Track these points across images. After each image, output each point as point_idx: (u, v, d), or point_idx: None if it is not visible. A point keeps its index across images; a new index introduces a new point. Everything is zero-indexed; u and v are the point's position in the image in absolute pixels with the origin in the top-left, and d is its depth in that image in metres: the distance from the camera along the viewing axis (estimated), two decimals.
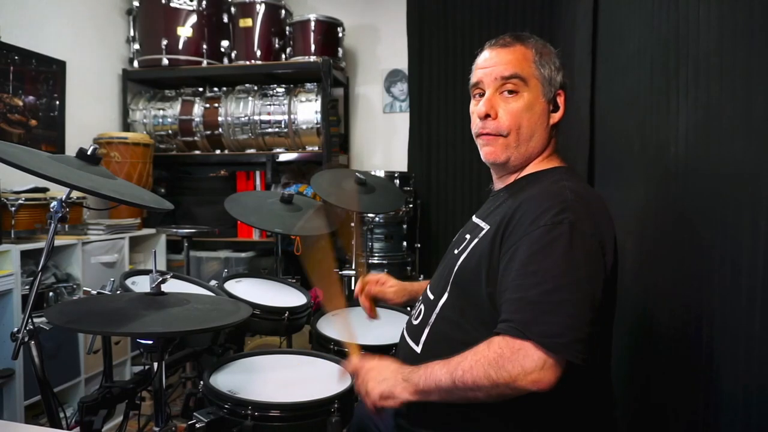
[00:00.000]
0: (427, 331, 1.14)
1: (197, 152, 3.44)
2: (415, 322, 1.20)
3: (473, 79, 1.17)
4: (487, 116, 1.11)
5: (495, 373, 0.91)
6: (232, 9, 3.34)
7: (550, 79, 1.12)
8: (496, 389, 0.92)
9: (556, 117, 1.14)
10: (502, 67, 1.11)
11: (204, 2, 3.25)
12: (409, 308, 1.66)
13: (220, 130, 3.30)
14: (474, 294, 1.06)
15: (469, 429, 1.05)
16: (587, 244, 0.96)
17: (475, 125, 1.15)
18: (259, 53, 3.26)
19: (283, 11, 3.34)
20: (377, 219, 2.98)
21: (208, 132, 3.33)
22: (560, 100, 1.14)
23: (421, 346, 1.14)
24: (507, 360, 0.90)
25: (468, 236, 1.16)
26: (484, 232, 1.10)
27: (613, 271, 1.02)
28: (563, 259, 0.94)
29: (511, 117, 1.10)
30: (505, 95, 1.11)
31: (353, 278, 2.59)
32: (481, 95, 1.14)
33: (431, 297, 1.18)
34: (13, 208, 2.19)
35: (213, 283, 1.83)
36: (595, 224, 0.99)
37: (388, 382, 1.04)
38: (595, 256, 0.97)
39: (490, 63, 1.13)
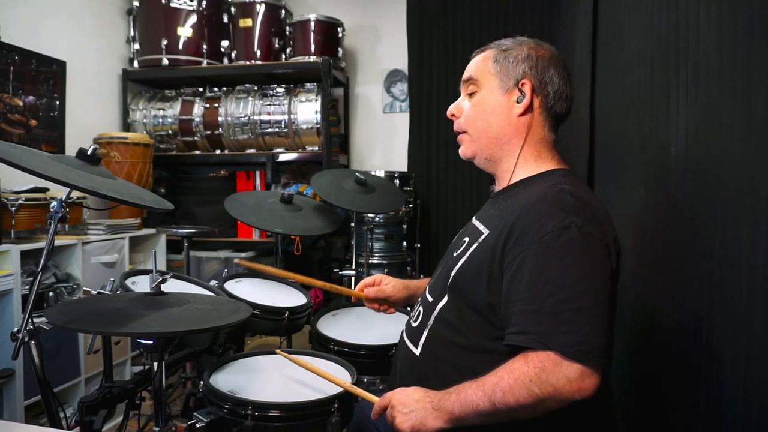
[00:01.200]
0: (425, 333, 1.13)
1: (197, 152, 3.44)
2: (414, 324, 1.19)
3: None
4: (453, 116, 1.22)
5: (539, 389, 0.90)
6: (232, 9, 3.34)
7: (508, 71, 1.13)
8: (542, 404, 0.91)
9: (521, 107, 1.12)
10: (466, 73, 1.20)
11: (204, 2, 3.25)
12: (408, 308, 1.66)
13: (220, 130, 3.30)
14: (473, 300, 1.05)
15: (468, 430, 1.04)
16: (596, 248, 0.96)
17: None
18: (259, 53, 3.26)
19: (283, 11, 3.34)
20: (377, 219, 2.98)
21: (208, 132, 3.33)
22: (525, 89, 1.12)
23: (420, 348, 1.14)
24: (550, 373, 0.90)
25: (467, 239, 1.15)
26: (483, 237, 1.10)
27: (615, 273, 1.02)
28: (576, 265, 0.94)
29: (467, 113, 1.19)
30: (468, 97, 1.20)
31: (353, 278, 2.60)
32: None
33: (430, 299, 1.18)
34: (13, 208, 2.19)
35: (213, 283, 1.83)
36: (600, 227, 0.99)
37: (416, 414, 1.01)
38: (603, 259, 0.97)
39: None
